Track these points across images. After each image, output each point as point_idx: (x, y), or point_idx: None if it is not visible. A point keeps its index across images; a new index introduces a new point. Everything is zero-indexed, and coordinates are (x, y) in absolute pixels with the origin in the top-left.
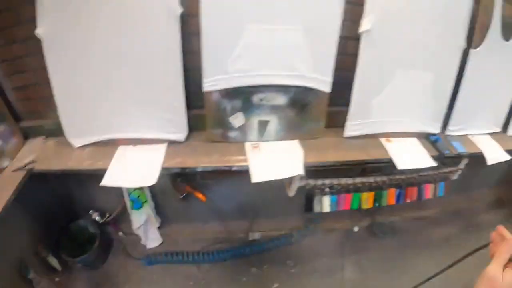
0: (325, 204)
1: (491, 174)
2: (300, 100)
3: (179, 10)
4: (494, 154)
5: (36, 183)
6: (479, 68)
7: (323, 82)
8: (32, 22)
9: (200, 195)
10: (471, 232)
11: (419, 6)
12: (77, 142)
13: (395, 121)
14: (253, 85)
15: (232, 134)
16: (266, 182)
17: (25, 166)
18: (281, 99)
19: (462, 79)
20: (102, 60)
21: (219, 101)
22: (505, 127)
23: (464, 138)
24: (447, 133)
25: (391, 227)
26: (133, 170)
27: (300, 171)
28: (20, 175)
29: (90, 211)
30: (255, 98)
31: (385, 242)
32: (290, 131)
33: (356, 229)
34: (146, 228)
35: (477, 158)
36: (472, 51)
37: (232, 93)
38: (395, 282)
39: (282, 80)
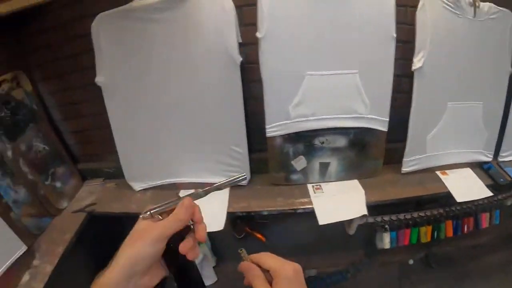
0: (386, 241)
1: None
2: (359, 140)
3: (239, 59)
4: None
5: (94, 224)
6: None
7: (381, 122)
8: (91, 69)
9: (259, 236)
10: None
11: (465, 40)
12: (137, 186)
13: (449, 153)
14: (314, 129)
15: (294, 176)
16: None
17: (85, 208)
18: (341, 141)
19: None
20: (162, 106)
21: (281, 146)
22: None
23: None
24: (500, 159)
25: (446, 257)
26: None
27: (364, 211)
28: (81, 216)
29: None
30: (317, 141)
31: (441, 274)
32: (350, 171)
33: (411, 262)
34: (201, 266)
35: None
36: None
37: (295, 137)
38: None
39: (342, 123)
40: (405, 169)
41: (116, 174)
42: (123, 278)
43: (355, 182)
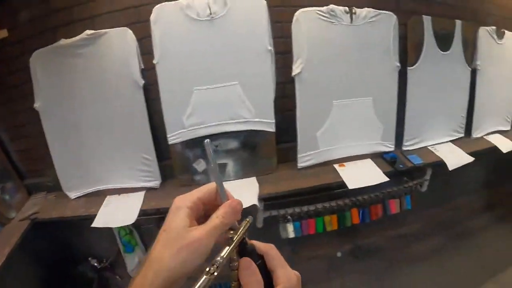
0: (289, 230)
1: (474, 179)
2: (250, 142)
3: (142, 82)
4: (455, 160)
5: (39, 231)
6: (421, 83)
7: (267, 124)
8: (31, 96)
9: None
10: (461, 239)
11: (343, 44)
12: (72, 194)
13: (345, 146)
14: (207, 134)
15: (198, 177)
16: None
17: (29, 216)
18: (233, 144)
19: (406, 96)
20: (87, 125)
21: (182, 151)
22: (467, 131)
23: (423, 150)
24: (404, 148)
25: (374, 248)
26: (117, 213)
27: (255, 201)
28: (25, 223)
29: (89, 258)
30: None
31: (370, 264)
32: (246, 170)
33: (339, 254)
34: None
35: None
36: (409, 69)
37: (192, 143)
38: None
39: (231, 127)
40: (300, 164)
41: (57, 186)
42: None
43: (253, 179)
